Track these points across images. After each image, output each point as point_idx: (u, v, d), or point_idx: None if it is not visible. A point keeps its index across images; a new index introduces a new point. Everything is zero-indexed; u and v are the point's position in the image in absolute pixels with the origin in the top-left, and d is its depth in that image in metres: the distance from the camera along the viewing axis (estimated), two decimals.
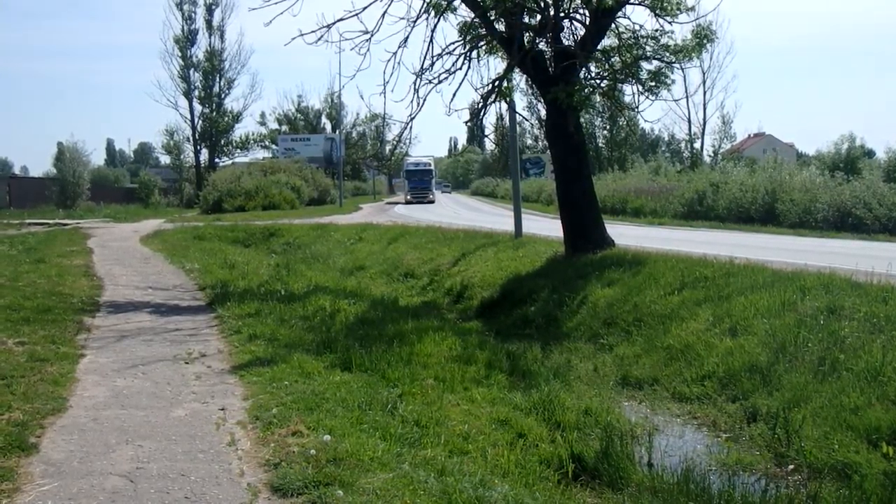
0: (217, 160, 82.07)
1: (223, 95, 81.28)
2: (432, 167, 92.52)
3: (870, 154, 43.18)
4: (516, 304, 18.06)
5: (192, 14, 78.50)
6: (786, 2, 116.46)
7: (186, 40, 78.49)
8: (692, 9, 18.86)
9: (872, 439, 9.09)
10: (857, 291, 12.87)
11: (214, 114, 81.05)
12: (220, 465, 7.06)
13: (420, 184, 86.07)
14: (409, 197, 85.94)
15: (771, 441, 9.85)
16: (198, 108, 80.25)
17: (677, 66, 19.77)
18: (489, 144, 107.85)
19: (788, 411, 10.13)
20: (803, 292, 13.19)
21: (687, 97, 75.00)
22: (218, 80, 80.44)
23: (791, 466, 9.25)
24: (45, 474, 6.79)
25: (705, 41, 19.41)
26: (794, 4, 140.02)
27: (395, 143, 22.88)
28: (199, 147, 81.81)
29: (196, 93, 79.77)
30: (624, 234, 24.19)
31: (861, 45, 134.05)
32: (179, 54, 78.34)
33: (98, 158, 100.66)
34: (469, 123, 21.03)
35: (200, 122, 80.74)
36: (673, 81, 19.63)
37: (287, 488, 6.40)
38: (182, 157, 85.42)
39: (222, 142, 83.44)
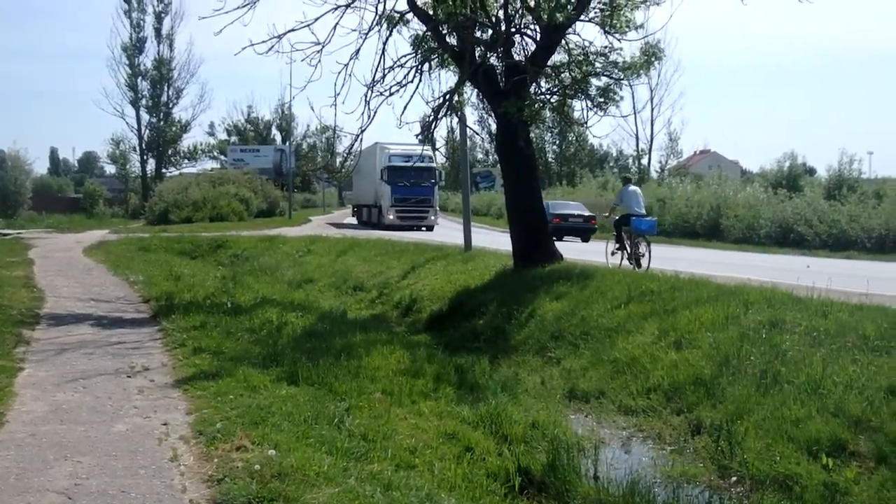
0: (164, 170, 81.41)
1: (171, 105, 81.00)
2: (435, 166, 51.27)
3: (811, 172, 43.81)
4: (465, 317, 18.05)
5: (141, 22, 78.27)
6: (734, 23, 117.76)
7: (134, 48, 78.04)
8: (641, 27, 19.07)
9: (813, 451, 9.15)
10: (798, 306, 13.02)
11: (162, 123, 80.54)
12: (162, 480, 6.91)
13: (413, 192, 49.67)
14: (391, 216, 50.00)
15: (714, 453, 9.89)
16: (145, 117, 79.87)
17: (626, 82, 19.92)
18: (440, 158, 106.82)
19: (732, 424, 10.18)
20: (746, 306, 13.31)
21: (635, 114, 76.11)
22: (166, 89, 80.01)
23: (734, 478, 9.28)
24: None
25: (653, 59, 19.59)
26: (743, 26, 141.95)
27: (345, 155, 22.79)
28: (145, 157, 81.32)
29: (143, 102, 79.27)
30: (572, 248, 24.26)
31: (806, 65, 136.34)
32: (127, 62, 77.89)
33: (41, 167, 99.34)
34: (420, 137, 21.01)
35: (148, 131, 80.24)
36: (621, 98, 19.78)
37: None
38: (128, 166, 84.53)
39: (170, 152, 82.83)
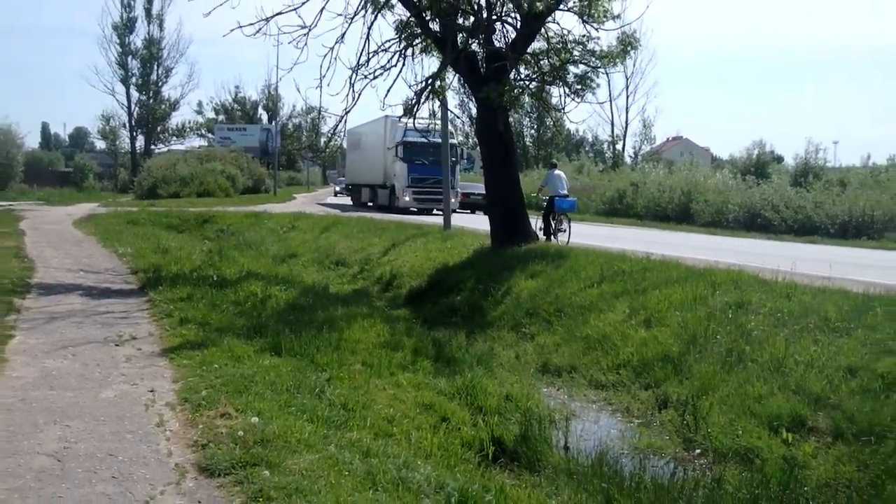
0: (153, 147, 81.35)
1: (161, 83, 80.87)
2: (456, 143, 44.94)
3: (779, 160, 43.92)
4: (443, 294, 18.08)
5: (132, 2, 77.89)
6: (708, 15, 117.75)
7: (125, 28, 77.84)
8: (618, 17, 19.06)
9: (774, 426, 9.26)
10: (763, 288, 13.12)
11: (151, 101, 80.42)
12: (149, 445, 6.91)
13: (432, 172, 39.08)
14: (407, 198, 42.66)
15: (680, 427, 9.99)
16: (135, 94, 79.80)
17: (602, 70, 19.89)
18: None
19: (697, 399, 10.27)
20: (714, 287, 13.40)
21: (611, 101, 75.86)
22: (156, 68, 79.86)
23: (698, 451, 9.39)
24: None
25: (629, 48, 19.61)
26: (716, 19, 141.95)
27: (329, 135, 22.79)
28: (135, 133, 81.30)
29: (133, 80, 79.18)
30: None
31: (776, 58, 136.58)
32: (118, 41, 77.81)
33: (32, 141, 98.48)
34: (403, 119, 20.97)
35: (137, 108, 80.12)
36: (598, 85, 19.75)
37: (214, 468, 6.28)
38: (118, 142, 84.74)
39: (159, 129, 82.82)
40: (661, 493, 7.83)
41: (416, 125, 23.51)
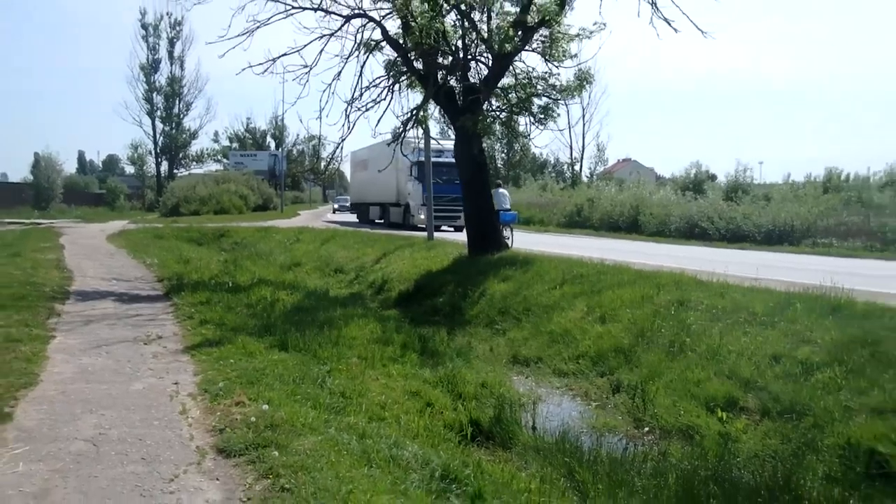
0: (175, 171, 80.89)
1: (182, 116, 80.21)
2: None
3: (713, 177, 43.92)
4: (427, 296, 18.05)
5: (156, 45, 77.41)
6: (653, 52, 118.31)
7: (151, 68, 77.45)
8: (575, 56, 19.09)
9: (710, 406, 9.30)
10: (701, 288, 13.16)
11: (174, 131, 79.95)
12: (173, 430, 6.87)
13: (446, 190, 35.22)
14: (422, 215, 36.10)
15: (631, 408, 10.03)
16: (159, 126, 79.32)
17: (562, 102, 19.95)
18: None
19: (645, 384, 10.32)
20: (659, 288, 13.43)
21: (570, 128, 76.28)
22: (178, 102, 79.27)
23: (646, 429, 9.42)
24: (17, 439, 6.56)
25: (585, 83, 19.64)
26: (660, 55, 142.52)
27: (328, 160, 22.75)
28: (159, 159, 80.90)
29: (158, 113, 78.65)
30: (516, 238, 24.31)
31: (708, 90, 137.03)
32: (144, 80, 77.36)
33: (70, 167, 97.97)
34: (392, 144, 20.95)
35: (161, 138, 79.78)
36: (559, 115, 19.80)
37: (230, 450, 6.25)
38: (145, 167, 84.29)
39: (180, 155, 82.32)
40: (615, 465, 7.87)
41: (433, 146, 23.21)
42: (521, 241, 25.11)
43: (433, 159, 30.57)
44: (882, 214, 28.34)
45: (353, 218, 54.71)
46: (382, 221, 41.09)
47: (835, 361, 9.21)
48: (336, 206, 72.66)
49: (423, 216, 34.00)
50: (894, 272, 17.10)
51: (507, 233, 23.76)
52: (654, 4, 17.53)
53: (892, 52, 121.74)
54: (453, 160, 29.05)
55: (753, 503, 6.87)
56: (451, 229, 34.59)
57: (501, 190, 25.07)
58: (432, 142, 28.66)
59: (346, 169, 60.17)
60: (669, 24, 17.46)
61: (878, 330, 9.57)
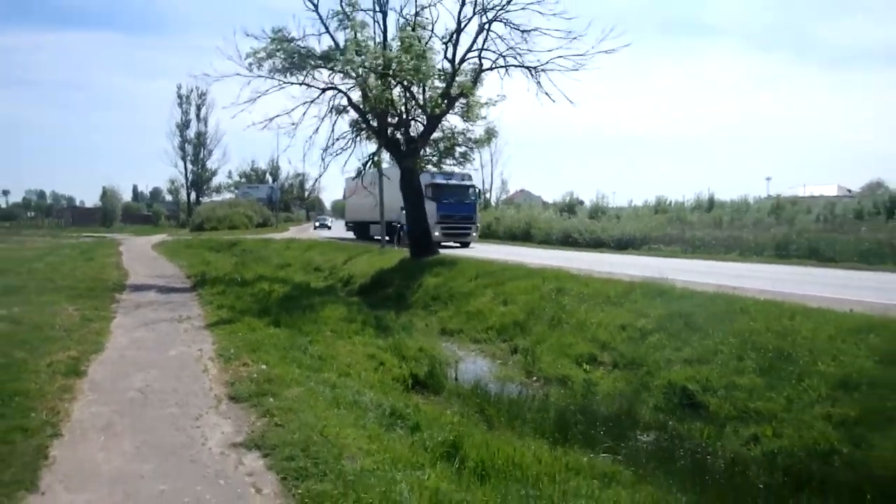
0: (201, 198, 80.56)
1: (205, 160, 79.99)
2: (474, 184, 32.34)
3: (581, 203, 44.50)
4: (381, 287, 18.01)
5: (188, 109, 77.25)
6: (540, 114, 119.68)
7: (183, 126, 77.33)
8: (485, 117, 19.32)
9: (579, 362, 9.53)
10: (573, 279, 13.36)
11: (200, 171, 79.81)
12: (198, 383, 6.88)
13: (456, 209, 29.58)
14: (436, 233, 26.92)
15: (524, 364, 10.18)
16: (189, 167, 79.16)
17: (476, 149, 20.09)
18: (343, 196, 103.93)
19: (534, 347, 10.49)
20: (544, 280, 13.60)
21: (482, 167, 76.50)
22: (202, 150, 79.04)
23: (535, 378, 9.58)
24: (90, 389, 6.65)
25: (492, 136, 20.01)
26: (546, 116, 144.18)
27: (310, 191, 22.66)
28: (189, 191, 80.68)
29: (188, 158, 78.56)
30: (445, 246, 24.40)
31: (579, 138, 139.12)
32: (179, 134, 77.35)
33: (127, 196, 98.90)
34: (355, 180, 20.85)
35: (191, 175, 79.58)
36: (473, 158, 20.04)
37: (239, 397, 6.28)
38: (179, 196, 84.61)
39: (204, 188, 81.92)
40: (513, 403, 8.01)
41: (427, 169, 22.12)
42: (448, 247, 25.29)
43: (444, 181, 27.51)
44: (692, 228, 29.05)
45: (341, 233, 48.27)
46: (388, 239, 30.95)
47: (661, 329, 9.52)
48: (316, 223, 69.57)
49: (437, 233, 26.96)
50: (701, 268, 17.60)
51: (404, 240, 24.90)
52: (538, 83, 17.93)
53: (694, 108, 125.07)
54: (462, 182, 28.73)
55: (606, 426, 7.08)
56: (458, 245, 28.54)
57: (403, 211, 25.48)
58: (442, 168, 23.87)
59: (327, 194, 59.28)
60: (549, 97, 17.89)
61: (689, 307, 9.89)
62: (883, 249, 20.12)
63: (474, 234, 29.87)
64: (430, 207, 26.34)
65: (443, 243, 26.94)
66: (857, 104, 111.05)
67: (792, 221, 27.41)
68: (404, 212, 24.15)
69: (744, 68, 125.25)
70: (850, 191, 49.00)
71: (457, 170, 25.99)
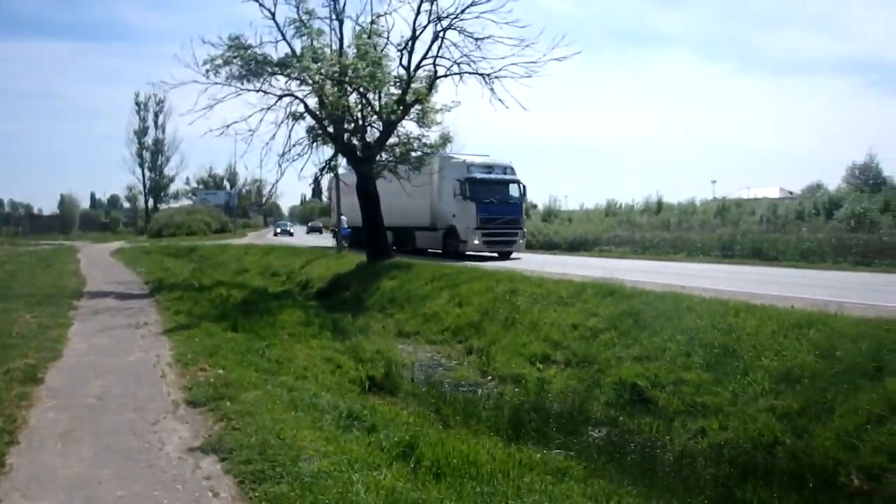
0: (159, 205, 79.81)
1: (163, 166, 78.70)
2: (517, 178, 23.37)
3: (535, 206, 44.76)
4: (338, 291, 17.92)
5: (146, 116, 76.08)
6: (495, 120, 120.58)
7: (141, 133, 76.13)
8: (440, 122, 19.34)
9: (532, 361, 9.62)
10: (526, 281, 13.39)
11: (157, 177, 78.61)
12: (156, 388, 6.79)
13: (501, 211, 22.23)
14: (475, 240, 21.83)
15: (479, 364, 10.24)
16: (147, 173, 77.93)
17: (431, 154, 19.99)
18: (324, 198, 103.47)
19: (489, 347, 10.56)
20: (498, 282, 13.62)
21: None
22: (160, 157, 77.82)
23: (490, 378, 9.65)
24: (48, 396, 6.58)
25: (446, 141, 20.07)
26: (500, 122, 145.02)
27: (267, 196, 22.34)
28: (147, 197, 79.51)
29: (146, 165, 77.30)
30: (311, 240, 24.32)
31: (532, 145, 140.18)
32: (137, 141, 76.29)
33: (85, 203, 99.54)
34: (312, 185, 20.85)
35: (149, 182, 78.39)
36: (428, 163, 19.92)
37: (196, 402, 6.21)
38: (137, 203, 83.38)
39: (162, 194, 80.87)
40: (468, 402, 8.04)
41: (478, 160, 20.07)
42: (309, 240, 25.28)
43: (482, 175, 22.29)
44: (642, 230, 29.61)
45: (309, 240, 43.15)
46: (409, 250, 24.77)
47: (612, 327, 9.67)
48: (277, 230, 65.57)
49: (476, 241, 21.82)
50: (649, 268, 17.97)
51: (344, 242, 26.53)
52: (492, 90, 18.06)
53: (643, 114, 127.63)
54: (504, 176, 22.62)
55: (559, 423, 7.19)
56: (496, 254, 22.35)
57: (343, 217, 27.50)
58: (480, 157, 22.21)
59: (285, 200, 58.77)
60: (502, 103, 18.06)
61: (639, 305, 10.06)
62: (823, 248, 20.87)
63: (521, 241, 23.33)
64: (467, 209, 21.77)
65: (477, 252, 22.00)
66: (798, 111, 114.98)
67: (736, 223, 28.16)
68: (456, 214, 21.86)
69: (690, 76, 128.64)
70: (791, 193, 50.35)
71: (499, 159, 22.63)
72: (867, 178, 41.51)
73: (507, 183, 22.83)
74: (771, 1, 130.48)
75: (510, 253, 22.53)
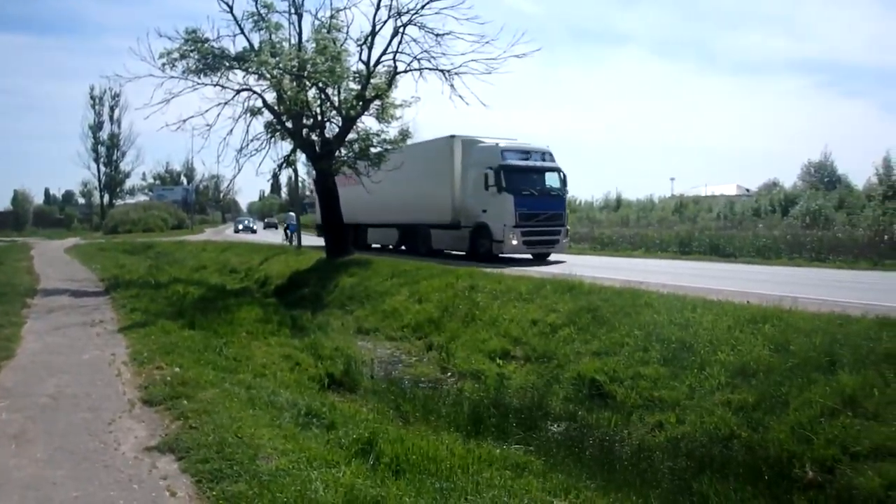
0: (114, 201, 78.36)
1: (119, 162, 77.25)
2: (558, 165, 18.94)
3: None
4: (297, 288, 17.73)
5: (101, 111, 74.50)
6: (456, 117, 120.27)
7: (96, 127, 74.78)
8: (400, 118, 19.14)
9: (492, 356, 9.69)
10: (486, 277, 13.46)
11: (113, 173, 77.14)
12: (111, 388, 6.69)
13: (542, 205, 18.01)
14: (514, 241, 17.67)
15: (439, 360, 10.25)
16: (103, 169, 76.53)
17: (390, 150, 19.90)
18: (283, 194, 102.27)
19: (449, 343, 10.58)
20: (457, 278, 13.65)
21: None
22: (116, 152, 76.32)
23: (450, 374, 9.67)
24: (1, 395, 6.45)
25: (406, 137, 19.89)
26: (464, 118, 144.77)
27: (224, 192, 22.09)
28: (103, 193, 78.06)
29: (102, 160, 75.81)
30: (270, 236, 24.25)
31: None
32: (92, 136, 74.88)
33: (39, 199, 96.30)
34: (270, 181, 20.66)
35: (104, 178, 76.81)
36: (388, 159, 19.76)
37: (153, 401, 6.13)
38: (92, 199, 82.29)
39: (118, 190, 79.43)
40: (428, 399, 8.06)
41: (513, 145, 17.43)
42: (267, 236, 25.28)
43: (520, 162, 18.48)
44: (601, 227, 30.04)
45: (275, 236, 41.08)
46: (404, 248, 22.95)
47: (571, 323, 9.78)
48: (240, 226, 63.01)
49: (515, 241, 17.98)
50: (608, 264, 18.24)
51: (294, 239, 27.61)
52: (452, 86, 18.03)
53: (603, 112, 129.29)
54: (544, 163, 18.93)
55: (518, 418, 7.25)
56: (530, 256, 18.96)
57: (291, 213, 28.87)
58: (512, 142, 18.99)
59: (242, 196, 57.99)
60: (462, 99, 18.07)
61: (597, 301, 10.17)
62: (778, 245, 21.46)
63: (564, 240, 19.41)
64: (503, 203, 17.99)
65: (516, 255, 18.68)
66: (755, 109, 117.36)
67: (694, 219, 28.81)
68: (488, 209, 18.20)
69: (649, 75, 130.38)
70: (748, 190, 51.63)
71: (537, 145, 19.22)
72: (822, 176, 42.81)
73: (546, 171, 18.95)
74: (729, 2, 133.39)
75: (549, 255, 19.07)
